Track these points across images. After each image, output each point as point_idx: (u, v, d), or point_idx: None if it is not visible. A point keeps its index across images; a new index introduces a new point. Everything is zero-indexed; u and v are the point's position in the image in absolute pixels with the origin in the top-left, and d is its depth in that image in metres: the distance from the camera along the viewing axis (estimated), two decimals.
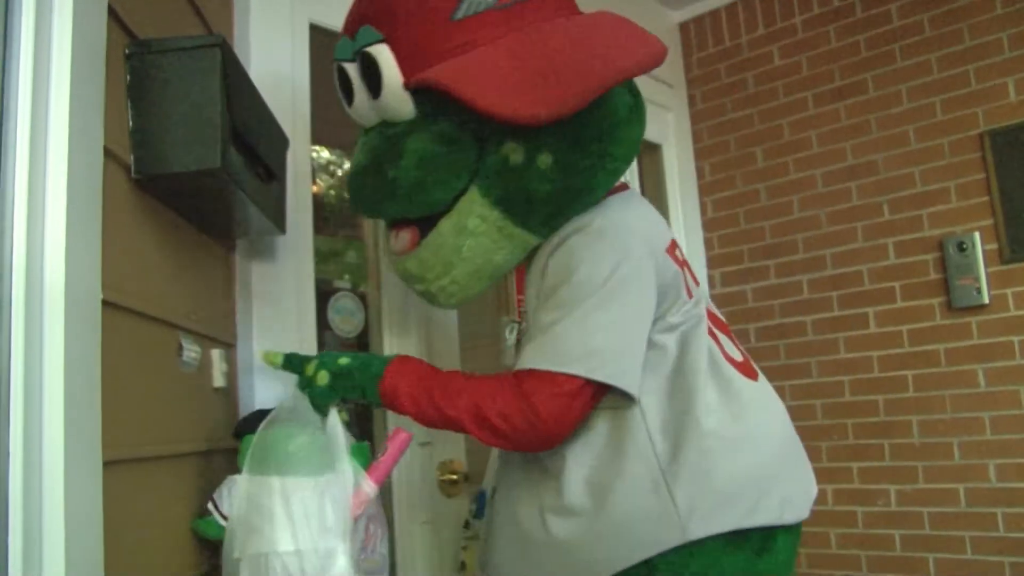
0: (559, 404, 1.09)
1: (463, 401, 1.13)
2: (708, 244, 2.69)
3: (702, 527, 1.10)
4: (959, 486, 2.17)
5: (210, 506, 1.11)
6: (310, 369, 1.22)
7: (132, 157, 1.00)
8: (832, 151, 2.45)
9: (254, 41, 1.46)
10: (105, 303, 0.89)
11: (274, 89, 1.42)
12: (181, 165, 1.00)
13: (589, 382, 1.10)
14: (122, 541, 0.90)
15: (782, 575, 1.16)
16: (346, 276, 2.12)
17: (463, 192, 1.20)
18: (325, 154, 2.32)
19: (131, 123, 1.01)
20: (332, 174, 2.37)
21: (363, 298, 1.86)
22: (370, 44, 1.17)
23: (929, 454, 2.22)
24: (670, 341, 1.19)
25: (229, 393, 1.34)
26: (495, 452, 1.40)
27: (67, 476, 0.79)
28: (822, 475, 2.29)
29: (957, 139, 2.23)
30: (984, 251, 2.16)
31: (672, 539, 1.10)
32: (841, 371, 2.38)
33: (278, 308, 1.45)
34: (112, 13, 0.96)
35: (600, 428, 1.16)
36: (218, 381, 1.27)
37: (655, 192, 2.65)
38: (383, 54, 1.17)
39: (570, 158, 1.16)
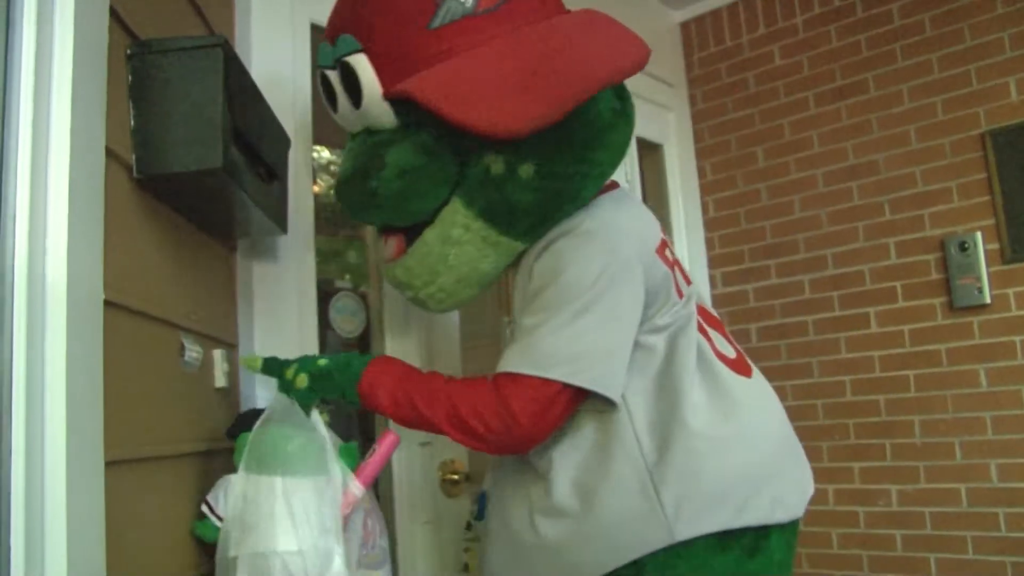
0: (537, 408, 1.09)
1: (441, 403, 1.13)
2: (709, 244, 2.69)
3: (689, 528, 1.09)
4: (961, 486, 2.16)
5: (205, 509, 1.11)
6: (290, 372, 1.21)
7: (134, 157, 1.00)
8: (833, 151, 2.45)
9: (255, 41, 1.46)
10: (107, 303, 0.89)
11: (275, 89, 1.42)
12: (183, 165, 1.00)
13: (568, 386, 1.10)
14: (124, 541, 0.90)
15: (778, 575, 1.16)
16: (347, 276, 2.12)
17: (446, 202, 1.20)
18: (326, 154, 2.32)
19: (133, 123, 1.01)
20: (333, 174, 2.37)
21: (364, 298, 1.86)
22: (348, 54, 1.17)
23: (930, 454, 2.22)
24: (658, 342, 1.18)
25: (230, 393, 1.34)
26: None
27: (69, 476, 0.79)
28: (823, 475, 2.33)
29: (958, 139, 2.23)
30: (986, 251, 2.16)
31: (659, 540, 1.10)
32: (842, 371, 2.38)
33: (279, 308, 1.45)
34: (114, 13, 0.96)
35: (587, 429, 1.16)
36: (219, 381, 1.27)
37: (656, 191, 2.65)
38: (361, 64, 1.16)
39: (553, 167, 1.15)
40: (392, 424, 1.27)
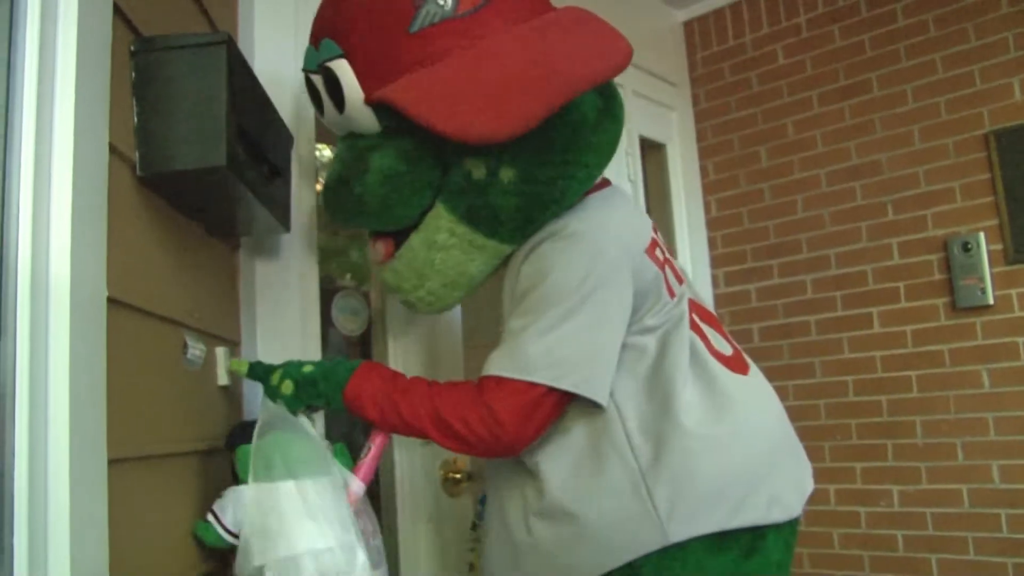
0: (522, 412, 1.09)
1: (425, 408, 1.13)
2: (712, 243, 2.69)
3: (683, 529, 1.08)
4: (962, 487, 2.16)
5: (211, 518, 1.11)
6: (275, 378, 1.21)
7: (137, 154, 1.00)
8: (836, 151, 2.45)
9: (258, 39, 1.46)
10: (110, 300, 0.89)
11: (278, 87, 1.42)
12: (186, 163, 1.00)
13: (554, 390, 1.09)
14: (126, 539, 0.90)
15: (776, 575, 1.15)
16: (348, 275, 2.12)
17: (431, 207, 1.20)
18: (329, 152, 2.31)
19: (136, 120, 1.00)
20: None
21: (366, 296, 1.86)
22: (331, 59, 1.16)
23: (932, 455, 2.21)
24: (649, 342, 1.18)
25: (233, 392, 1.33)
26: None
27: (72, 474, 0.79)
28: (825, 475, 2.33)
29: (962, 139, 2.23)
30: (989, 251, 2.16)
31: (653, 542, 1.09)
32: (845, 371, 2.38)
33: (282, 306, 1.44)
34: (117, 10, 0.96)
35: (579, 431, 1.15)
36: (222, 379, 1.27)
37: (659, 191, 2.64)
38: (342, 69, 1.15)
39: (534, 171, 1.14)
40: None
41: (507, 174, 1.14)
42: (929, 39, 2.30)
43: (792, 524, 1.18)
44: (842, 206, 2.42)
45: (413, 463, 1.70)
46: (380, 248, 1.29)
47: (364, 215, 1.21)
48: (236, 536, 1.09)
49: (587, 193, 1.23)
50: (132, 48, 1.01)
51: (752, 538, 1.11)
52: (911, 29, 2.33)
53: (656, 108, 2.59)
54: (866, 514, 2.31)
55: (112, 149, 0.93)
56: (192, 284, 1.18)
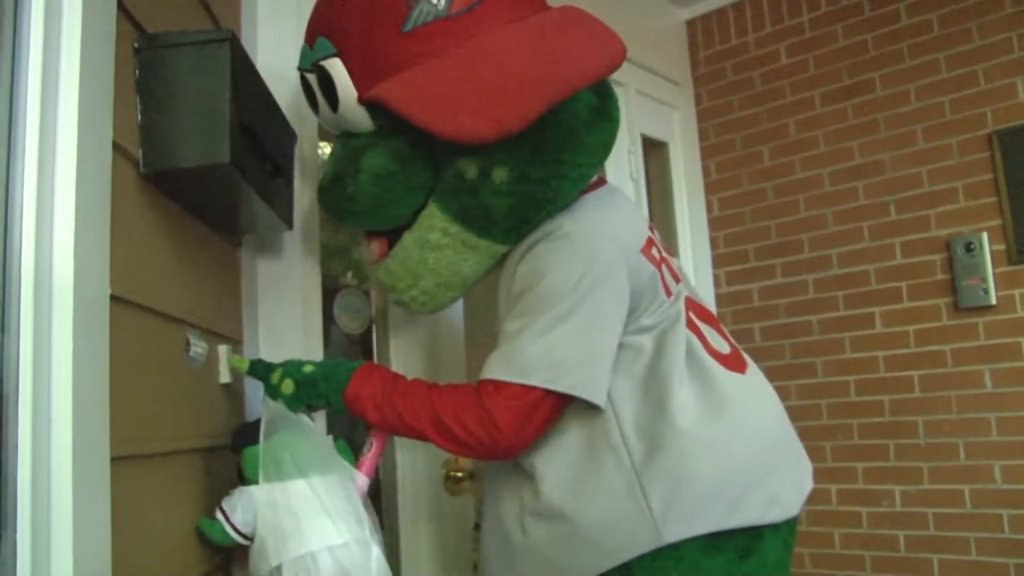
0: (519, 416, 1.09)
1: (425, 410, 1.13)
2: (714, 243, 2.68)
3: (677, 530, 1.08)
4: (964, 487, 2.16)
5: (219, 515, 1.11)
6: (275, 377, 1.21)
7: (141, 152, 1.00)
8: (839, 150, 2.44)
9: (261, 36, 1.46)
10: (113, 298, 0.89)
11: (281, 85, 1.41)
12: (190, 160, 1.00)
13: (551, 392, 1.09)
14: (129, 536, 0.90)
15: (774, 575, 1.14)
16: (349, 273, 2.11)
17: (424, 206, 1.20)
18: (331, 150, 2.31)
19: (140, 118, 1.00)
20: None
21: (368, 295, 1.86)
22: (325, 58, 1.16)
23: (935, 455, 2.21)
24: (646, 342, 1.17)
25: (235, 390, 1.33)
26: None
27: (75, 471, 0.78)
28: (827, 475, 2.33)
29: (965, 139, 2.22)
30: (991, 252, 2.16)
31: (646, 543, 1.09)
32: (847, 371, 2.38)
33: (284, 304, 1.44)
34: (121, 7, 0.96)
35: (575, 432, 1.15)
36: (224, 377, 1.26)
37: (661, 190, 2.64)
38: (336, 68, 1.15)
39: (527, 170, 1.14)
40: None
41: (500, 174, 1.13)
42: (933, 39, 2.29)
43: (791, 524, 1.17)
44: (845, 206, 2.42)
45: (415, 462, 1.70)
46: (374, 247, 1.29)
47: (357, 214, 1.21)
48: (244, 535, 1.09)
49: (583, 192, 1.22)
50: (136, 45, 1.01)
51: (749, 538, 1.11)
52: (914, 28, 2.32)
53: (658, 107, 2.59)
54: (868, 514, 2.31)
55: (116, 146, 0.92)
56: (195, 282, 1.18)
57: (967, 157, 2.22)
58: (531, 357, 1.09)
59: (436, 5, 1.11)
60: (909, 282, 2.29)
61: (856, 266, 2.38)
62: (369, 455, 1.22)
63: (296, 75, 1.49)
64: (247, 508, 1.10)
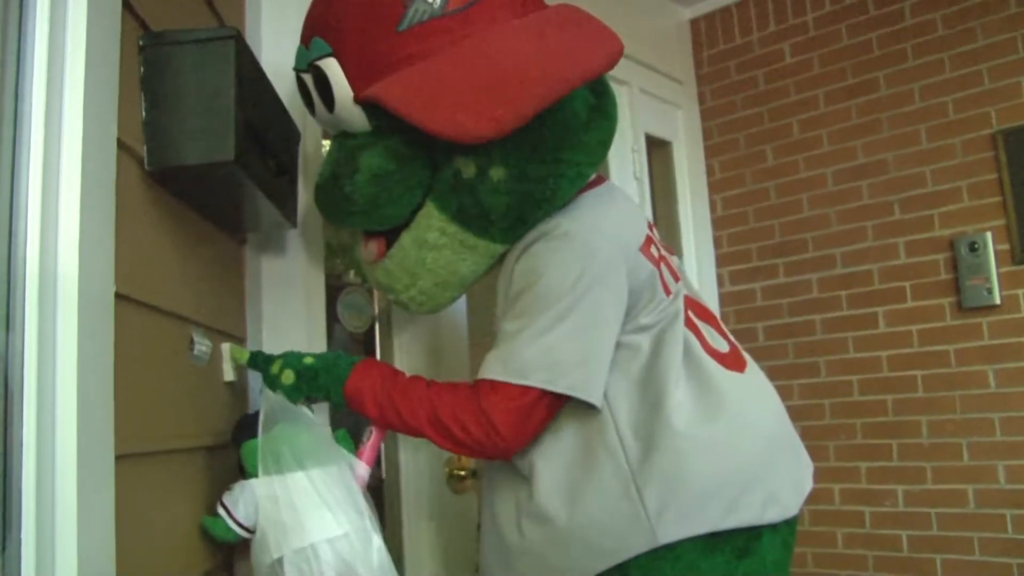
0: (517, 416, 1.09)
1: (423, 409, 1.14)
2: (717, 242, 2.68)
3: (673, 530, 1.07)
4: (968, 487, 2.16)
5: (221, 511, 1.11)
6: (275, 368, 1.21)
7: (145, 149, 1.00)
8: (842, 149, 2.44)
9: (265, 34, 1.46)
10: (118, 296, 0.89)
11: (285, 83, 1.41)
12: (194, 157, 1.00)
13: (548, 392, 1.09)
14: (133, 533, 0.90)
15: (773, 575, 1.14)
16: (353, 272, 2.11)
17: (421, 206, 1.19)
18: None
19: (144, 115, 1.00)
20: None
21: (372, 293, 1.85)
22: (320, 58, 1.16)
23: (938, 455, 2.21)
24: (643, 341, 1.17)
25: (238, 388, 1.33)
26: None
27: (80, 469, 0.79)
28: (829, 474, 2.32)
29: (969, 138, 2.22)
30: (995, 251, 2.15)
31: (641, 544, 1.08)
32: (850, 370, 2.37)
33: (288, 303, 1.44)
34: (126, 4, 0.96)
35: (571, 430, 1.15)
36: (228, 375, 1.26)
37: (664, 189, 2.64)
38: (332, 68, 1.15)
39: (524, 169, 1.13)
40: None
41: (497, 173, 1.13)
42: (936, 38, 2.29)
43: (790, 524, 1.17)
44: (848, 205, 2.41)
45: (417, 460, 1.70)
46: (372, 247, 1.28)
47: (355, 214, 1.21)
48: (247, 529, 1.10)
49: (581, 191, 1.22)
50: (141, 42, 1.01)
51: (747, 539, 1.10)
52: (918, 28, 2.32)
53: (662, 106, 2.58)
54: (870, 514, 2.31)
55: (120, 144, 0.92)
56: (199, 280, 1.18)
57: (971, 157, 2.21)
58: (529, 357, 1.09)
59: (432, 4, 1.11)
60: (913, 282, 2.29)
61: (859, 266, 2.38)
62: (369, 444, 1.22)
63: None
64: (248, 501, 1.10)
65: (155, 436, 1.01)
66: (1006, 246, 2.14)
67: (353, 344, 1.93)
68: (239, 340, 1.35)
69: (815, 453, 1.25)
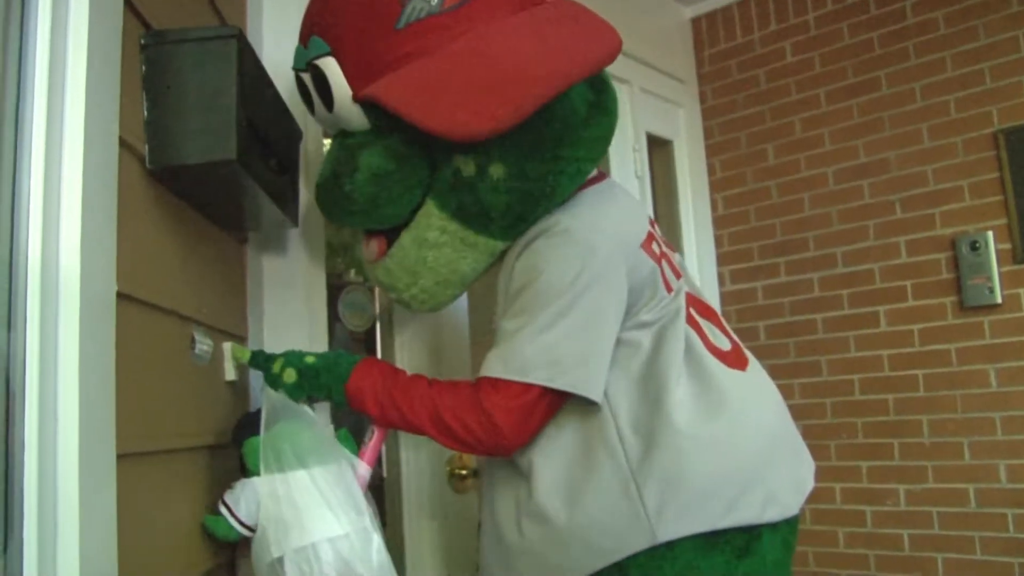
0: (518, 414, 1.09)
1: (425, 407, 1.14)
2: (718, 241, 2.68)
3: (672, 529, 1.07)
4: (969, 486, 2.16)
5: (223, 510, 1.11)
6: (277, 366, 1.20)
7: (147, 148, 1.00)
8: (844, 148, 2.44)
9: (267, 33, 1.45)
10: (119, 295, 0.89)
11: (286, 81, 1.41)
12: (196, 156, 1.00)
13: (549, 390, 1.09)
14: (135, 533, 0.90)
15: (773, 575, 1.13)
16: (354, 271, 2.11)
17: (421, 205, 1.19)
18: None
19: (146, 114, 1.00)
20: None
21: (373, 292, 1.85)
22: (319, 57, 1.15)
23: (939, 454, 2.21)
24: (644, 338, 1.16)
25: (240, 387, 1.33)
26: None
27: (81, 469, 0.78)
28: (831, 473, 2.32)
29: (971, 137, 2.22)
30: (997, 251, 2.15)
31: (640, 542, 1.08)
32: (851, 370, 2.37)
33: (289, 302, 1.44)
34: (128, 3, 0.96)
35: (571, 428, 1.15)
36: (229, 375, 1.26)
37: (665, 188, 2.64)
38: (331, 67, 1.15)
39: (524, 166, 1.13)
40: None
41: (496, 170, 1.13)
42: (938, 37, 2.29)
43: (791, 523, 1.16)
44: (849, 204, 2.41)
45: (419, 459, 1.70)
46: (373, 247, 1.28)
47: (355, 213, 1.20)
48: (249, 527, 1.10)
49: (581, 188, 1.21)
50: (142, 41, 1.00)
51: (747, 538, 1.10)
52: (920, 27, 2.32)
53: (663, 104, 2.58)
54: (872, 513, 2.31)
55: (122, 142, 0.92)
56: (200, 279, 1.18)
57: (972, 156, 2.21)
58: (530, 355, 1.09)
59: (429, 1, 1.10)
60: (914, 281, 2.29)
61: (861, 264, 2.38)
62: (371, 444, 1.22)
63: None
64: (250, 499, 1.10)
65: (157, 435, 1.01)
66: (1007, 245, 2.14)
67: (354, 343, 1.93)
68: (240, 339, 1.35)
69: (816, 452, 1.25)
